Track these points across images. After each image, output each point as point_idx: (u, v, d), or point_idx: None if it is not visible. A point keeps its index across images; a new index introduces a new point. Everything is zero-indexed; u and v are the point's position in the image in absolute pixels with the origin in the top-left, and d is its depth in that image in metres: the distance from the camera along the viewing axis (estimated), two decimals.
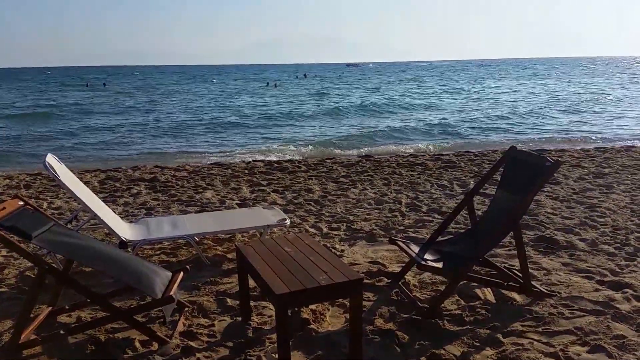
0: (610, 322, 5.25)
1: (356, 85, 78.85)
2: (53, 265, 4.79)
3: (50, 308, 5.40)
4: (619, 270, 6.57)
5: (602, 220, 8.73)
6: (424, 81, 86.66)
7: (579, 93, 51.38)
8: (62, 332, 4.82)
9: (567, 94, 51.33)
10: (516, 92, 55.94)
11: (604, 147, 17.90)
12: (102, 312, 5.26)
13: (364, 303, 5.46)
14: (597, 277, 6.34)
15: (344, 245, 7.80)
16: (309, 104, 46.30)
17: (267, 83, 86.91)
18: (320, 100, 49.66)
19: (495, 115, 32.35)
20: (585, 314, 5.43)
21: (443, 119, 31.44)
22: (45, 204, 10.37)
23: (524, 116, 32.19)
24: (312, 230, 8.56)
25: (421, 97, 51.25)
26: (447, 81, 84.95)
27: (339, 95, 57.46)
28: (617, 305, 5.55)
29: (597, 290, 5.99)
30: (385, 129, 27.13)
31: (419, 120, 31.10)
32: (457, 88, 65.16)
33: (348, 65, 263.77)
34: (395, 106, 41.46)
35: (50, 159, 6.59)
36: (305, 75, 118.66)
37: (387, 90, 63.69)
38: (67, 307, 5.52)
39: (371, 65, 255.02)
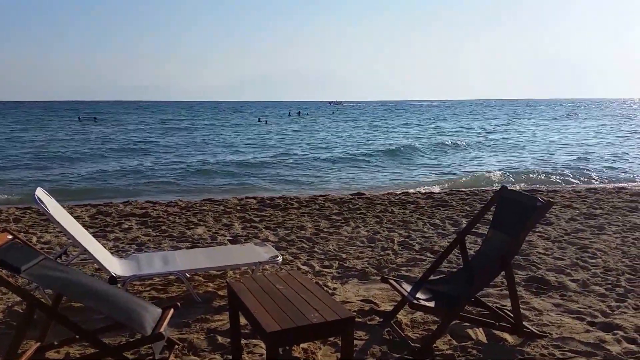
0: None
1: (380, 123, 78.61)
2: (42, 300, 4.76)
3: (38, 344, 5.34)
4: (610, 312, 6.56)
5: (593, 261, 8.74)
6: (446, 119, 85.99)
7: None
8: None
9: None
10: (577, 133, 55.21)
11: (595, 188, 17.96)
12: (91, 348, 5.23)
13: (355, 342, 5.43)
14: (588, 318, 6.33)
15: (336, 283, 7.78)
16: (364, 141, 44.98)
17: (259, 119, 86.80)
18: (375, 139, 48.03)
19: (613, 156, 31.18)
20: (576, 355, 5.42)
21: (570, 156, 31.05)
22: (34, 238, 10.32)
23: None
24: (304, 267, 8.54)
25: (483, 136, 50.16)
26: (488, 119, 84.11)
27: (385, 132, 57.03)
28: (608, 347, 5.54)
29: (588, 331, 5.98)
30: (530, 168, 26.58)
31: (541, 159, 30.39)
32: (516, 128, 63.11)
33: (330, 103, 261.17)
34: (473, 146, 39.94)
35: (40, 192, 6.57)
36: (299, 113, 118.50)
37: (430, 130, 62.91)
38: (55, 343, 5.46)
39: (352, 104, 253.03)
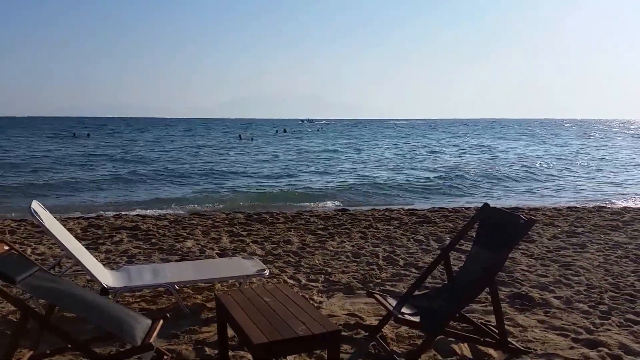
0: None
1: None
2: (36, 309, 4.73)
3: (31, 352, 5.31)
4: (594, 329, 6.55)
5: (576, 278, 8.73)
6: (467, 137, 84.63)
7: None
8: None
9: None
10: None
11: (576, 207, 17.98)
12: (83, 357, 5.18)
13: (341, 355, 5.39)
14: (572, 335, 6.32)
15: (322, 297, 7.76)
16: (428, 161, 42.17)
17: (240, 136, 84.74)
18: (435, 159, 44.83)
19: None
20: None
21: None
22: (29, 250, 10.29)
23: None
24: (290, 281, 8.51)
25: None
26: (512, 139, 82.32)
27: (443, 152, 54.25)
28: None
29: (572, 348, 5.96)
30: None
31: None
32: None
33: (303, 121, 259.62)
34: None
35: (36, 205, 6.55)
36: (285, 130, 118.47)
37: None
38: (47, 352, 5.43)
39: (323, 122, 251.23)
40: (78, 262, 6.66)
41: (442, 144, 70.11)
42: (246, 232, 12.51)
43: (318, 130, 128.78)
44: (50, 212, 7.01)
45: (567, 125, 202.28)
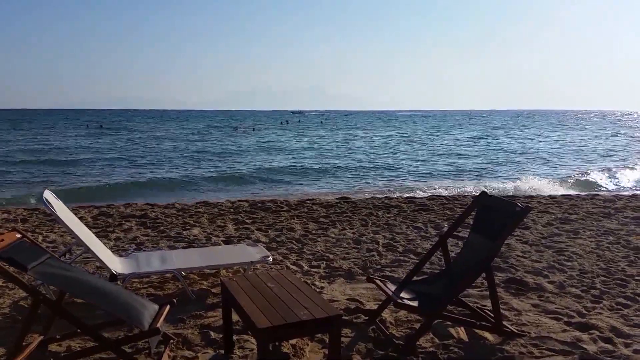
0: None
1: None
2: (47, 295, 4.72)
3: (41, 337, 5.31)
4: (586, 312, 6.54)
5: (569, 264, 8.71)
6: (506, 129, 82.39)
7: None
8: None
9: None
10: None
11: (570, 195, 17.97)
12: (91, 342, 5.18)
13: (341, 339, 5.38)
14: (565, 319, 6.30)
15: (323, 283, 7.74)
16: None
17: (236, 127, 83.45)
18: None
19: None
20: (553, 353, 5.40)
21: None
22: (40, 238, 10.29)
23: None
24: (293, 267, 8.50)
25: None
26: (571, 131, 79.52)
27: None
28: (585, 346, 5.52)
29: (565, 331, 5.95)
30: None
31: None
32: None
33: (294, 112, 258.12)
34: None
35: (48, 194, 6.56)
36: (287, 121, 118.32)
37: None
38: (58, 337, 5.45)
39: (314, 113, 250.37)
40: (88, 250, 6.66)
41: (526, 135, 68.58)
42: (251, 220, 12.50)
43: (321, 122, 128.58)
44: (62, 202, 7.01)
45: (582, 116, 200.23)
